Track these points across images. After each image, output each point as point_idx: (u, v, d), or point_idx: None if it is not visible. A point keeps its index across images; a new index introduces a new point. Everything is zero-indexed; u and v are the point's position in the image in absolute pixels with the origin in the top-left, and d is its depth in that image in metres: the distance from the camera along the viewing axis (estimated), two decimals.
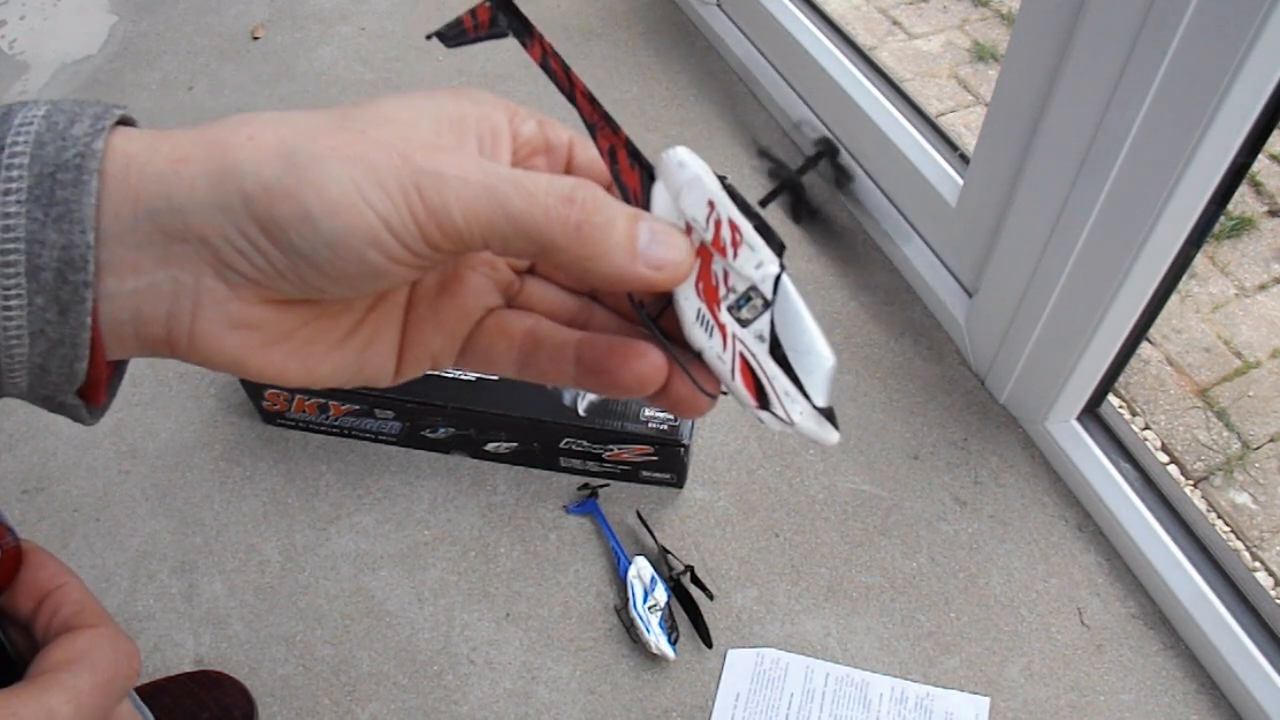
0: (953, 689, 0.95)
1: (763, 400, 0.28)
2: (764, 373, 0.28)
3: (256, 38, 1.67)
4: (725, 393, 0.29)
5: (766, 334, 0.27)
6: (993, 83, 1.19)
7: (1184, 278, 0.92)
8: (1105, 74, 0.80)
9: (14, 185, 0.23)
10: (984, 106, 1.44)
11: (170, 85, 1.59)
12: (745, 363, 0.28)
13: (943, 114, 1.63)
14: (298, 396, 1.08)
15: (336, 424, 1.12)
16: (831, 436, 0.28)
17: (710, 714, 0.94)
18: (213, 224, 0.24)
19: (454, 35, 0.31)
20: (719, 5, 1.56)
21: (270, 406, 1.12)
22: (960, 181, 1.13)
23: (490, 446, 1.09)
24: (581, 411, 1.02)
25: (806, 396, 0.27)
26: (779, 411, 0.28)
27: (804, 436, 0.28)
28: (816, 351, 0.27)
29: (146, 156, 0.24)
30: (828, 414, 0.28)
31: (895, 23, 1.81)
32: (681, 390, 0.28)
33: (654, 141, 1.45)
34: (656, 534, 1.04)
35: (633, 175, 0.28)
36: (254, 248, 0.24)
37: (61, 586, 0.33)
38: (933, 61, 1.73)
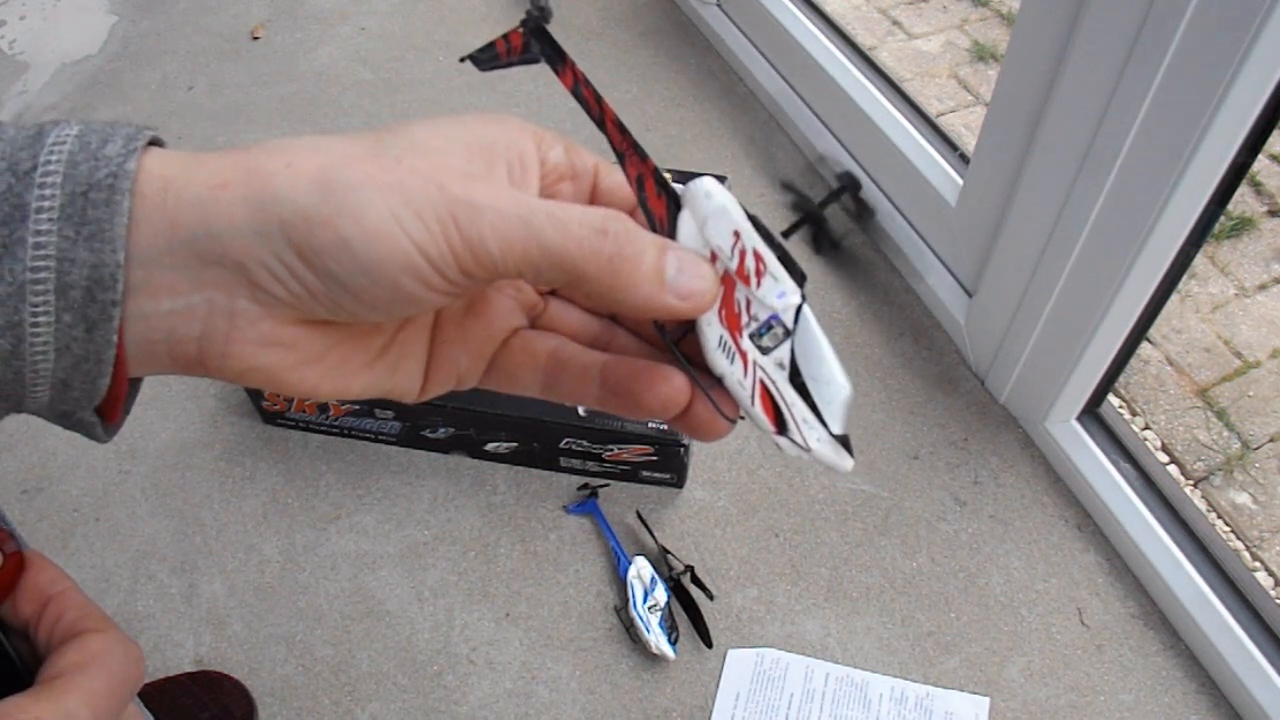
0: (953, 689, 0.95)
1: (781, 426, 0.28)
2: (783, 400, 0.28)
3: (256, 38, 1.67)
4: (744, 417, 0.30)
5: (787, 362, 0.28)
6: (993, 83, 1.19)
7: (1184, 278, 0.92)
8: (1105, 74, 0.80)
9: (46, 204, 0.23)
10: (984, 106, 1.44)
11: (170, 85, 1.59)
12: (765, 389, 0.28)
13: (943, 114, 1.63)
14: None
15: (336, 424, 1.12)
16: (846, 463, 0.28)
17: (710, 714, 0.94)
18: (250, 249, 0.24)
19: (487, 59, 0.31)
20: (719, 5, 1.56)
21: (270, 406, 1.12)
22: (960, 181, 1.13)
23: (490, 446, 1.09)
24: (581, 412, 1.02)
25: (824, 424, 0.28)
26: (796, 438, 0.28)
27: (820, 463, 0.28)
28: (835, 381, 0.28)
29: (184, 180, 0.25)
30: (843, 441, 0.28)
31: (895, 23, 1.81)
32: (702, 414, 0.29)
33: (653, 141, 1.45)
34: (656, 534, 1.04)
35: (659, 203, 0.29)
36: (290, 273, 0.25)
37: (62, 592, 0.33)
38: (933, 61, 1.73)
